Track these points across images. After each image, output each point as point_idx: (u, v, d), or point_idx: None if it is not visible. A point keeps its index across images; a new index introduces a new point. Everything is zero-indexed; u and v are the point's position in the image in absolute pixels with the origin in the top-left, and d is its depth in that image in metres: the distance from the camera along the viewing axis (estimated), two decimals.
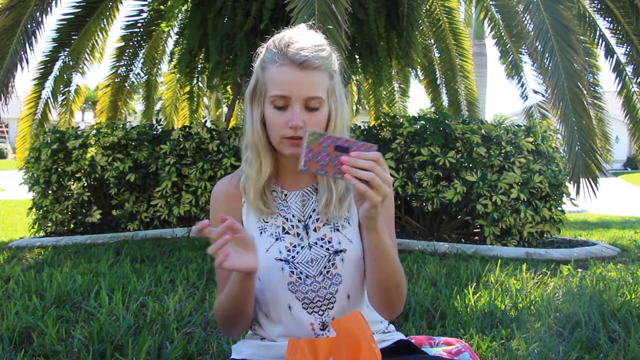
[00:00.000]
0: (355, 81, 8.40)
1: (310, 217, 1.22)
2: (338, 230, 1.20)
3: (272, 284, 1.17)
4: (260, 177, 1.18)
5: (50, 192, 5.17)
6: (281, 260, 1.17)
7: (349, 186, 1.21)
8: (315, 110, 1.13)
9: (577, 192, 3.79)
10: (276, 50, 1.13)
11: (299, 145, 1.11)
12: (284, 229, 1.20)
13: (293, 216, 1.22)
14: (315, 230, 1.21)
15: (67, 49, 5.83)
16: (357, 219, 1.24)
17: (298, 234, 1.20)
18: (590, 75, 5.81)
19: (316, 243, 1.19)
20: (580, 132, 3.64)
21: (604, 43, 5.94)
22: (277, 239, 1.19)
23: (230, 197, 1.24)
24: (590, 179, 3.74)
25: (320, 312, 1.17)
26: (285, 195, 1.23)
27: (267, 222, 1.21)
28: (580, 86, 3.65)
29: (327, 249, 1.19)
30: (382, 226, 1.08)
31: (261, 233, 1.20)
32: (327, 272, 1.18)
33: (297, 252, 1.18)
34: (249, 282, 1.11)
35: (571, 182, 3.84)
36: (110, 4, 5.94)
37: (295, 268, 1.17)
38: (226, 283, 1.18)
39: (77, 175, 5.10)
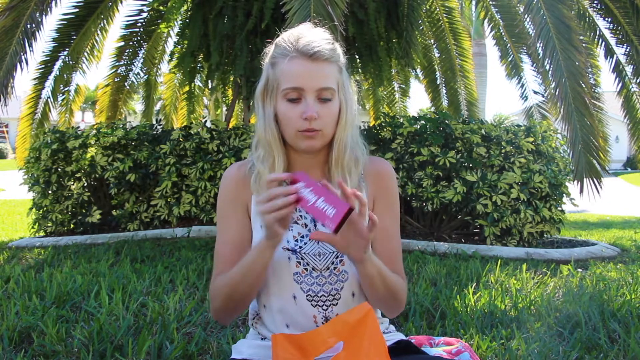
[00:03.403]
0: (355, 81, 8.40)
1: None
2: None
3: (278, 274, 1.18)
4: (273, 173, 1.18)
5: (50, 192, 5.16)
6: (288, 249, 1.18)
7: (361, 182, 1.23)
8: (328, 101, 1.15)
9: (581, 191, 3.77)
10: (286, 44, 1.14)
11: (314, 138, 1.14)
12: (292, 218, 1.20)
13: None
14: (324, 225, 1.21)
15: (67, 49, 5.82)
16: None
17: (306, 225, 1.21)
18: (591, 75, 5.80)
19: None
20: (583, 131, 3.63)
21: (603, 43, 5.93)
22: None
23: (240, 183, 1.24)
24: (593, 178, 3.72)
25: (325, 307, 1.17)
26: None
27: None
28: (583, 85, 3.64)
29: None
30: (369, 255, 1.10)
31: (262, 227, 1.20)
32: (334, 268, 1.18)
33: (305, 243, 1.19)
34: (273, 252, 1.11)
35: (574, 181, 3.82)
36: (110, 3, 5.93)
37: (302, 259, 1.18)
38: (229, 263, 1.18)
39: (77, 175, 5.10)
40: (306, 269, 1.17)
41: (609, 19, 5.58)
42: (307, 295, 1.17)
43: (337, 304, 1.18)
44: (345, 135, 1.19)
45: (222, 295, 1.18)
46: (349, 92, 1.20)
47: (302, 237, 1.20)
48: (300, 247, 1.19)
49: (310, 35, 1.15)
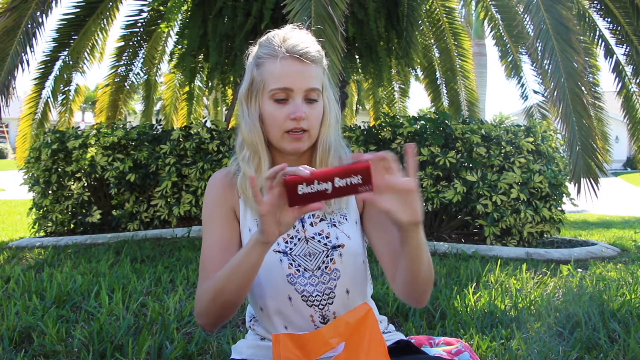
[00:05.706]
0: (355, 81, 8.41)
1: None
2: (335, 225, 1.21)
3: (271, 276, 1.17)
4: (259, 174, 1.17)
5: (50, 192, 5.17)
6: (279, 252, 1.18)
7: None
8: (315, 101, 1.15)
9: (578, 192, 3.79)
10: (274, 45, 1.14)
11: (301, 140, 1.14)
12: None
13: None
14: (311, 225, 1.21)
15: (67, 49, 5.83)
16: (355, 215, 1.24)
17: (294, 226, 1.20)
18: (590, 75, 5.80)
19: (313, 237, 1.19)
20: (581, 132, 3.64)
21: (603, 43, 5.93)
22: None
23: (227, 188, 1.23)
24: (591, 179, 3.74)
25: (321, 306, 1.17)
26: None
27: None
28: (581, 86, 3.65)
29: (325, 244, 1.19)
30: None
31: (258, 225, 1.20)
32: (326, 267, 1.18)
33: (295, 244, 1.19)
34: (262, 251, 1.04)
35: (572, 181, 3.84)
36: (110, 3, 5.94)
37: (293, 260, 1.18)
38: (216, 266, 1.13)
39: (77, 175, 5.10)
40: (298, 270, 1.17)
41: (609, 19, 5.58)
42: (302, 296, 1.17)
43: (332, 302, 1.18)
44: (329, 136, 1.19)
45: (206, 299, 1.13)
46: (331, 95, 1.21)
47: (292, 238, 1.19)
48: (291, 248, 1.18)
49: (296, 36, 1.16)
